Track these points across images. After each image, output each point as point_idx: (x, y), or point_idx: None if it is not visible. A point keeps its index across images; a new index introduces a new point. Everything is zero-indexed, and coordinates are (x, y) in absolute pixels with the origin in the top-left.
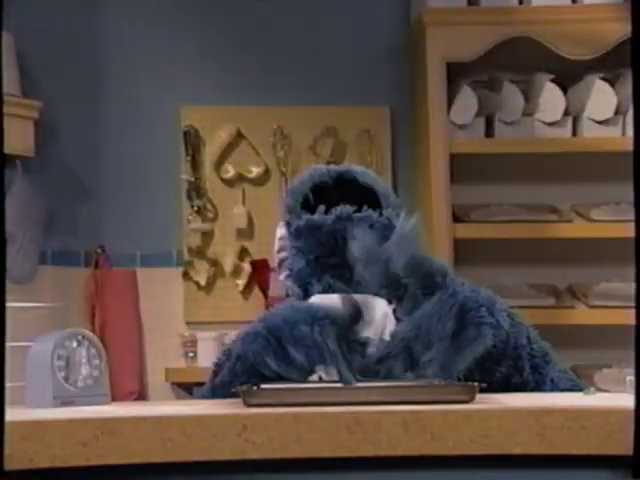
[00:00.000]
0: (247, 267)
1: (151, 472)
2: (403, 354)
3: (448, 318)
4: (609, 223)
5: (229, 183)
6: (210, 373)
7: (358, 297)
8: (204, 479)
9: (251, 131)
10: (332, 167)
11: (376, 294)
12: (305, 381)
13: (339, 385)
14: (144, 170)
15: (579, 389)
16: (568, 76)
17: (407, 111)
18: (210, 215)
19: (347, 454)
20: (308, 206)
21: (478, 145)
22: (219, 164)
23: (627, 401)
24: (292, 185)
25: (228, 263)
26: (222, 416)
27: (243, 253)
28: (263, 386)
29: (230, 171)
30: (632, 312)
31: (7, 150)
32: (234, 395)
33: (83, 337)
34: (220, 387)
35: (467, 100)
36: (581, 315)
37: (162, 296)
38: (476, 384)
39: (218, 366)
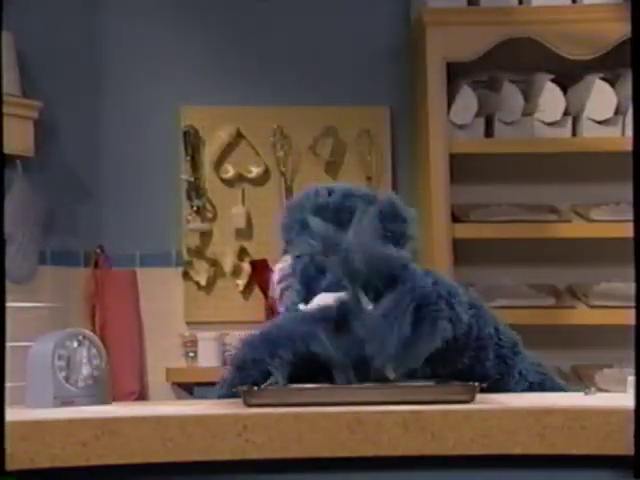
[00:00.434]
0: (247, 267)
1: (151, 472)
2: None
3: (405, 314)
4: (609, 223)
5: (229, 183)
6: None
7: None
8: (204, 479)
9: (251, 131)
10: (330, 186)
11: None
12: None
13: (339, 385)
14: (144, 170)
15: (551, 385)
16: (568, 76)
17: (407, 111)
18: (209, 215)
19: (348, 454)
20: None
21: (478, 145)
22: (219, 164)
23: (627, 401)
24: (288, 205)
25: (227, 263)
26: (222, 416)
27: (242, 253)
28: (264, 386)
29: (230, 171)
30: (632, 312)
31: (7, 150)
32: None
33: (84, 337)
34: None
35: (467, 100)
36: (581, 315)
37: (162, 296)
38: (476, 384)
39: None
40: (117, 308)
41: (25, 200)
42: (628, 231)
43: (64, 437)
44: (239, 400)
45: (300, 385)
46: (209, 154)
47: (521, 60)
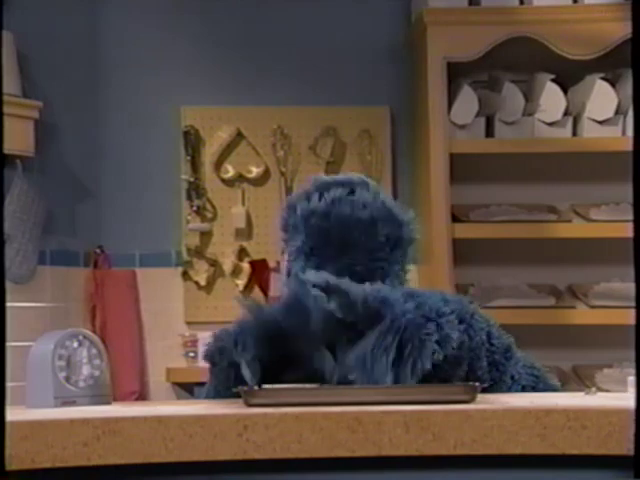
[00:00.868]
0: (246, 267)
1: (152, 472)
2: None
3: (391, 347)
4: (609, 223)
5: (229, 183)
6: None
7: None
8: (205, 479)
9: (251, 131)
10: (331, 178)
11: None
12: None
13: (340, 385)
14: (144, 170)
15: (544, 387)
16: (568, 76)
17: (407, 111)
18: (209, 215)
19: (348, 454)
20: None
21: (478, 145)
22: (219, 164)
23: (628, 401)
24: (289, 200)
25: (227, 263)
26: (223, 416)
27: (242, 253)
28: (265, 386)
29: (230, 171)
30: (632, 312)
31: (7, 150)
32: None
33: (84, 337)
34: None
35: (467, 100)
36: (581, 315)
37: (162, 296)
38: (477, 384)
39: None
40: (117, 308)
41: (25, 200)
42: (628, 231)
43: (65, 437)
44: (239, 400)
45: (300, 385)
46: (209, 154)
47: (521, 60)
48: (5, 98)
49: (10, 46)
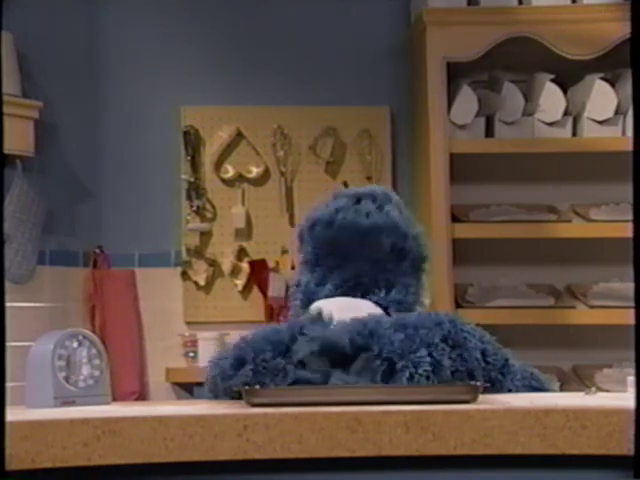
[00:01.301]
0: (246, 267)
1: (152, 472)
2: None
3: (377, 370)
4: (608, 223)
5: (229, 183)
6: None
7: (350, 301)
8: (205, 479)
9: (251, 131)
10: (353, 191)
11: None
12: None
13: (340, 385)
14: (144, 170)
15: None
16: (568, 76)
17: (407, 111)
18: (209, 215)
19: (348, 454)
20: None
21: (478, 145)
22: (219, 164)
23: (628, 401)
24: (310, 213)
25: (226, 263)
26: (223, 416)
27: (241, 253)
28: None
29: (230, 171)
30: (632, 312)
31: (7, 150)
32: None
33: (84, 337)
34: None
35: (467, 100)
36: (581, 315)
37: (161, 296)
38: (479, 384)
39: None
40: (116, 308)
41: (25, 200)
42: (628, 231)
43: (65, 437)
44: (240, 400)
45: (300, 385)
46: (209, 154)
47: (521, 60)
48: (5, 98)
49: (10, 46)
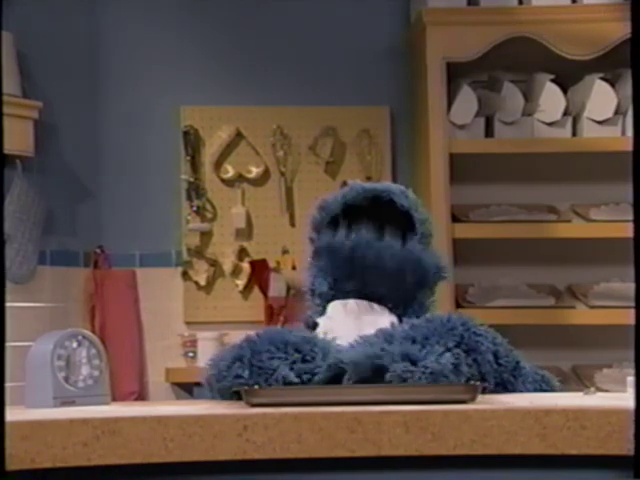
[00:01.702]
0: (246, 267)
1: (152, 472)
2: None
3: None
4: (608, 223)
5: (229, 183)
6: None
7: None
8: (205, 479)
9: (251, 131)
10: (369, 186)
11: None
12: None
13: (340, 385)
14: (144, 170)
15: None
16: (568, 76)
17: (407, 111)
18: (209, 215)
19: (348, 454)
20: (337, 223)
21: (478, 145)
22: (219, 164)
23: (627, 401)
24: (323, 200)
25: (227, 263)
26: (223, 416)
27: (242, 253)
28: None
29: (230, 171)
30: (632, 312)
31: (7, 150)
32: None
33: (83, 337)
34: None
35: (467, 100)
36: (581, 315)
37: (161, 296)
38: (478, 383)
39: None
40: (117, 308)
41: (25, 200)
42: (628, 231)
43: (65, 437)
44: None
45: (301, 385)
46: (209, 154)
47: (521, 60)
48: (5, 98)
49: (10, 46)
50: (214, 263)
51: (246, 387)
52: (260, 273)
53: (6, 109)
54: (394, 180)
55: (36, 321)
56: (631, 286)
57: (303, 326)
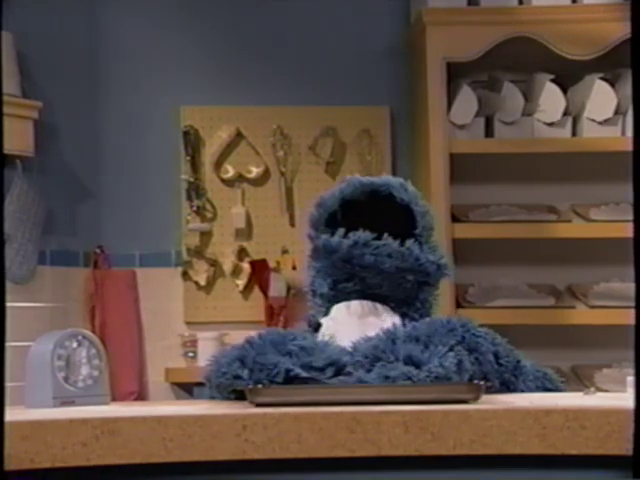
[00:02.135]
0: (246, 267)
1: (151, 472)
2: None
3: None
4: (608, 223)
5: (229, 183)
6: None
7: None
8: (204, 479)
9: (251, 131)
10: (367, 180)
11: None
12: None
13: (340, 385)
14: (144, 170)
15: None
16: (568, 76)
17: (407, 111)
18: (209, 215)
19: (347, 454)
20: (336, 220)
21: (478, 145)
22: (219, 164)
23: (627, 401)
24: (321, 197)
25: (227, 263)
26: (222, 416)
27: (242, 253)
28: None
29: (230, 171)
30: (632, 312)
31: (7, 150)
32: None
33: (83, 337)
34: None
35: (467, 100)
36: (581, 315)
37: (161, 296)
38: (482, 383)
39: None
40: (117, 308)
41: (25, 200)
42: (628, 231)
43: (64, 437)
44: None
45: (301, 385)
46: (209, 154)
47: (521, 60)
48: (5, 98)
49: (10, 46)
50: (214, 263)
51: (250, 386)
52: (260, 273)
53: (6, 109)
54: None
55: (36, 321)
56: (631, 286)
57: (306, 326)
